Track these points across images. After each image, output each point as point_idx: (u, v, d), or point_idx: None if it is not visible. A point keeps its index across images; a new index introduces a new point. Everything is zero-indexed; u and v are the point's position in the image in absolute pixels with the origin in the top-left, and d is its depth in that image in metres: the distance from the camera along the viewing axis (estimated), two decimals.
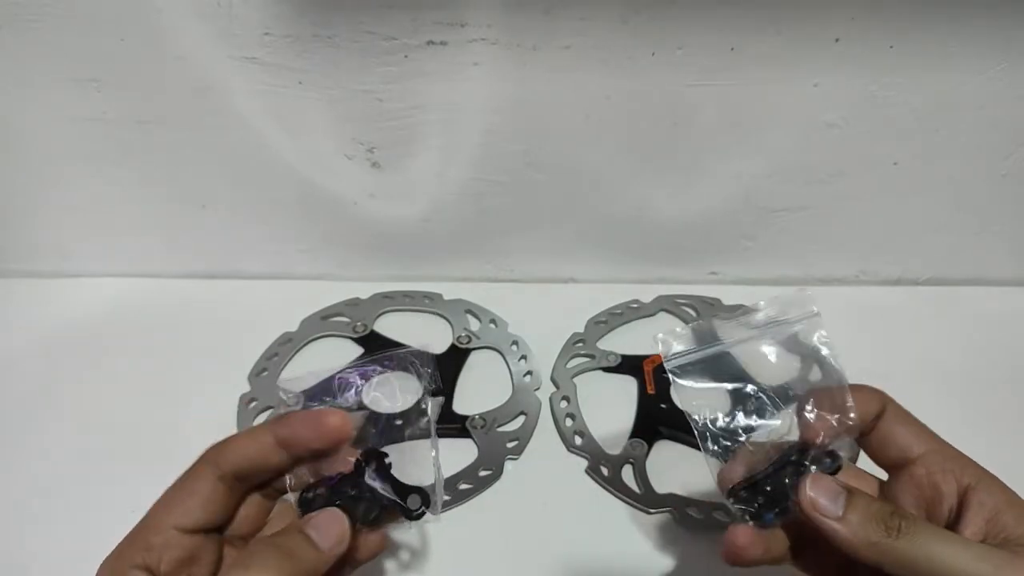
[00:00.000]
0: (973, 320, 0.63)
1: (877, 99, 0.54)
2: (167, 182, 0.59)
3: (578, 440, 0.52)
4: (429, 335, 0.60)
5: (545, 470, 0.51)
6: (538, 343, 0.59)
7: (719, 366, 0.36)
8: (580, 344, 0.60)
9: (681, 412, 0.36)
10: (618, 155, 0.57)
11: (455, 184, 0.59)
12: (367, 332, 0.60)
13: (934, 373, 0.58)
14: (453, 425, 0.53)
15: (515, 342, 0.59)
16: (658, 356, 0.38)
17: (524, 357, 0.58)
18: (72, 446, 0.51)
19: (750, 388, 0.36)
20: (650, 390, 0.55)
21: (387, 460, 0.35)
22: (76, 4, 0.49)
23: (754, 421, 0.35)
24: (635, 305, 0.64)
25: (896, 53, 0.51)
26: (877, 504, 0.31)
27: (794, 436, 0.34)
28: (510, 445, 0.52)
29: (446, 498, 0.48)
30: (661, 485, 0.49)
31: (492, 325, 0.61)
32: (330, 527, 0.32)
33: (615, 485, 0.49)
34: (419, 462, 0.36)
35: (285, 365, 0.57)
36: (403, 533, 0.46)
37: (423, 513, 0.35)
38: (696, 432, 0.35)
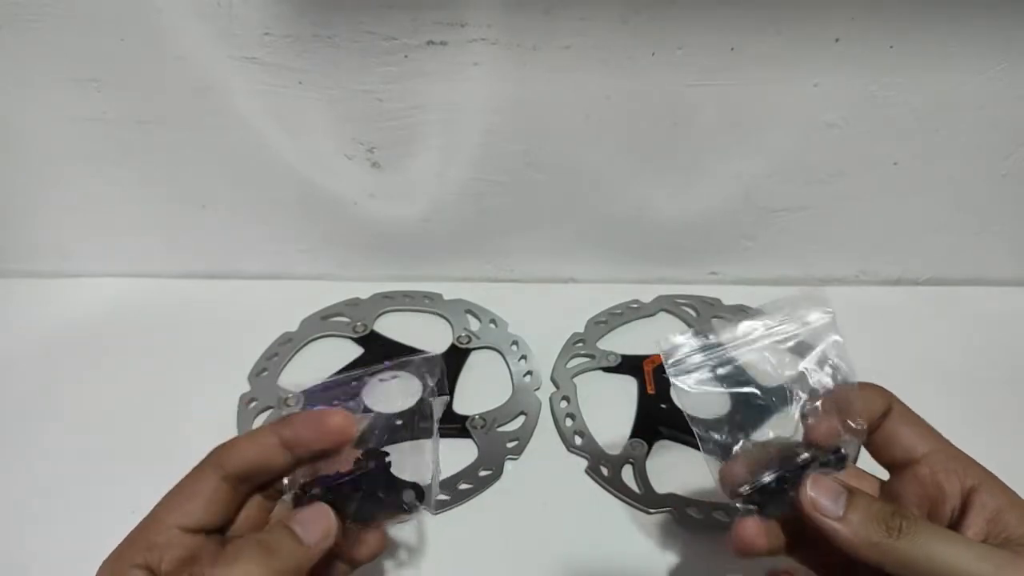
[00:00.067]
0: (973, 320, 0.63)
1: (877, 99, 0.54)
2: (167, 182, 0.59)
3: (578, 440, 0.52)
4: (429, 335, 0.60)
5: (545, 470, 0.51)
6: (538, 343, 0.59)
7: (721, 368, 0.36)
8: (580, 344, 0.60)
9: (681, 412, 0.36)
10: (618, 155, 0.57)
11: (455, 184, 0.59)
12: (367, 332, 0.60)
13: (934, 373, 0.58)
14: (453, 425, 0.53)
15: (515, 342, 0.59)
16: (658, 356, 0.38)
17: (524, 357, 0.58)
18: (72, 446, 0.51)
19: (752, 389, 0.35)
20: (650, 390, 0.55)
21: (387, 459, 0.35)
22: (76, 4, 0.49)
23: (756, 422, 0.35)
24: (635, 305, 0.64)
25: (896, 53, 0.51)
26: (878, 504, 0.31)
27: (798, 437, 0.34)
28: (510, 445, 0.52)
29: (446, 498, 0.48)
30: (661, 485, 0.49)
31: (492, 325, 0.61)
32: (316, 522, 0.32)
33: (615, 485, 0.49)
34: (419, 460, 0.36)
35: (285, 365, 0.57)
36: (403, 533, 0.46)
37: (416, 507, 0.34)
38: (696, 435, 0.35)
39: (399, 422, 0.38)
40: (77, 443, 0.51)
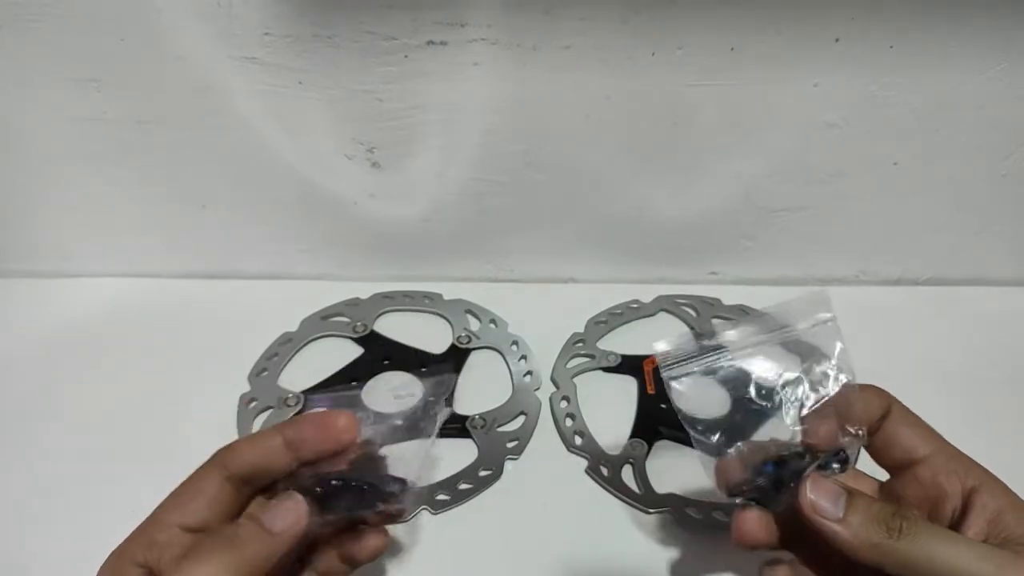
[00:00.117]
0: (973, 320, 0.63)
1: (877, 99, 0.54)
2: (167, 182, 0.59)
3: (578, 440, 0.52)
4: (429, 335, 0.60)
5: (545, 470, 0.51)
6: (538, 343, 0.59)
7: (719, 370, 0.36)
8: (580, 344, 0.60)
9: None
10: (618, 155, 0.57)
11: (455, 184, 0.59)
12: (367, 332, 0.60)
13: (934, 373, 0.58)
14: (453, 425, 0.53)
15: (515, 342, 0.59)
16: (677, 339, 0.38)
17: (524, 357, 0.58)
18: (72, 446, 0.51)
19: (750, 392, 0.35)
20: (650, 390, 0.55)
21: (383, 456, 0.35)
22: (76, 4, 0.49)
23: (753, 425, 0.35)
24: (635, 305, 0.64)
25: (896, 53, 0.51)
26: (878, 505, 0.31)
27: (796, 441, 0.34)
28: (510, 445, 0.52)
29: (446, 498, 0.48)
30: (661, 485, 0.49)
31: (492, 325, 0.61)
32: (285, 512, 0.32)
33: (615, 485, 0.49)
34: (411, 457, 0.36)
35: (285, 365, 0.57)
36: (404, 533, 0.46)
37: (398, 498, 0.34)
38: (692, 439, 0.35)
39: (399, 422, 0.38)
40: (77, 443, 0.51)
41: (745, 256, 0.65)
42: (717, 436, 0.35)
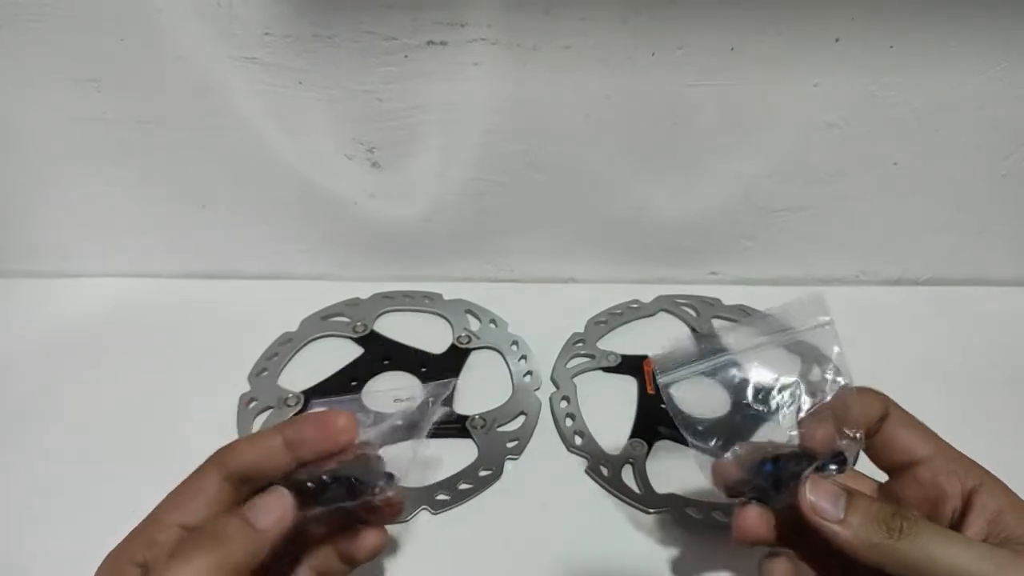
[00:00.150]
0: (973, 320, 0.63)
1: (877, 99, 0.54)
2: (167, 182, 0.59)
3: (578, 440, 0.52)
4: (429, 335, 0.60)
5: (545, 470, 0.51)
6: (538, 343, 0.59)
7: (715, 374, 0.36)
8: (580, 344, 0.60)
9: None
10: (618, 155, 0.57)
11: (455, 184, 0.59)
12: (367, 332, 0.60)
13: (934, 373, 0.58)
14: (453, 425, 0.53)
15: (515, 342, 0.59)
16: (670, 348, 0.38)
17: (524, 357, 0.58)
18: (72, 446, 0.51)
19: (747, 396, 0.35)
20: (650, 390, 0.55)
21: (381, 459, 0.35)
22: (76, 4, 0.49)
23: (750, 429, 0.35)
24: (635, 305, 0.64)
25: (896, 53, 0.51)
26: (878, 505, 0.31)
27: (793, 443, 0.34)
28: (510, 445, 0.52)
29: (446, 498, 0.48)
30: (661, 485, 0.49)
31: (492, 325, 0.61)
32: (270, 506, 0.31)
33: (615, 485, 0.49)
34: (406, 456, 0.36)
35: (285, 365, 0.57)
36: (403, 533, 0.46)
37: (384, 491, 0.34)
38: (689, 443, 0.35)
39: (399, 422, 0.38)
40: (77, 443, 0.51)
41: (745, 256, 0.65)
42: (714, 441, 0.35)
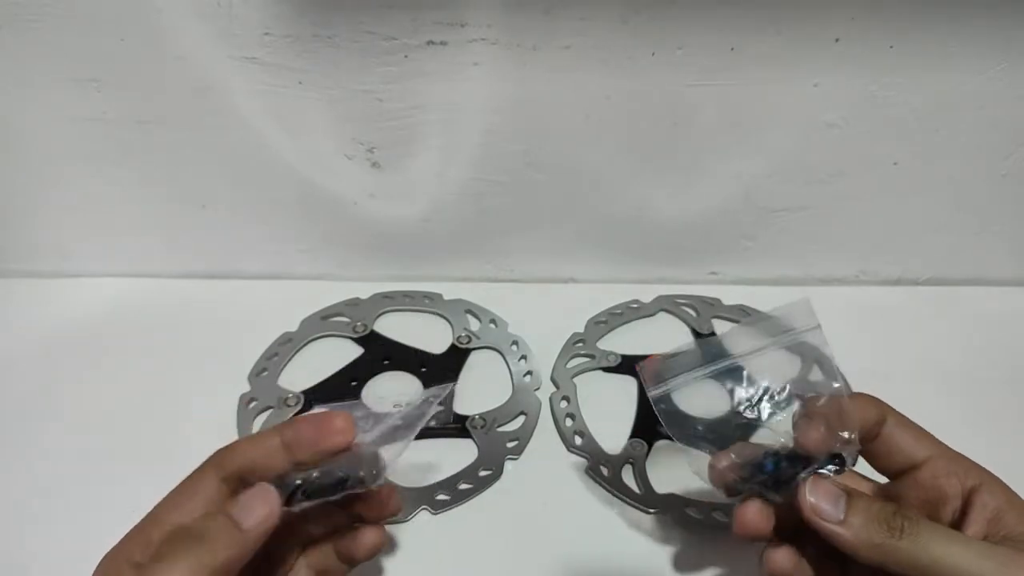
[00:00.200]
0: (973, 320, 0.63)
1: (877, 99, 0.54)
2: (167, 182, 0.59)
3: (578, 440, 0.52)
4: (429, 335, 0.60)
5: (545, 470, 0.51)
6: (538, 343, 0.59)
7: (708, 382, 0.36)
8: (580, 344, 0.60)
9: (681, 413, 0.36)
10: (618, 155, 0.57)
11: (455, 184, 0.59)
12: (367, 332, 0.60)
13: (934, 373, 0.58)
14: (453, 425, 0.53)
15: (515, 342, 0.59)
16: (659, 356, 0.38)
17: (524, 357, 0.58)
18: (72, 446, 0.51)
19: (738, 402, 0.35)
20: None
21: (380, 459, 0.35)
22: (76, 4, 0.49)
23: (744, 435, 0.35)
24: (635, 305, 0.64)
25: (896, 53, 0.51)
26: (878, 505, 0.31)
27: (789, 445, 0.34)
28: (510, 445, 0.52)
29: (446, 498, 0.48)
30: (661, 485, 0.49)
31: (492, 325, 0.61)
32: (255, 505, 0.31)
33: (615, 485, 0.49)
34: (396, 452, 0.36)
35: (285, 365, 0.57)
36: (403, 533, 0.46)
37: (364, 478, 0.34)
38: (683, 450, 0.35)
39: (398, 422, 0.38)
40: (77, 443, 0.51)
41: (745, 256, 0.65)
42: (708, 449, 0.35)
